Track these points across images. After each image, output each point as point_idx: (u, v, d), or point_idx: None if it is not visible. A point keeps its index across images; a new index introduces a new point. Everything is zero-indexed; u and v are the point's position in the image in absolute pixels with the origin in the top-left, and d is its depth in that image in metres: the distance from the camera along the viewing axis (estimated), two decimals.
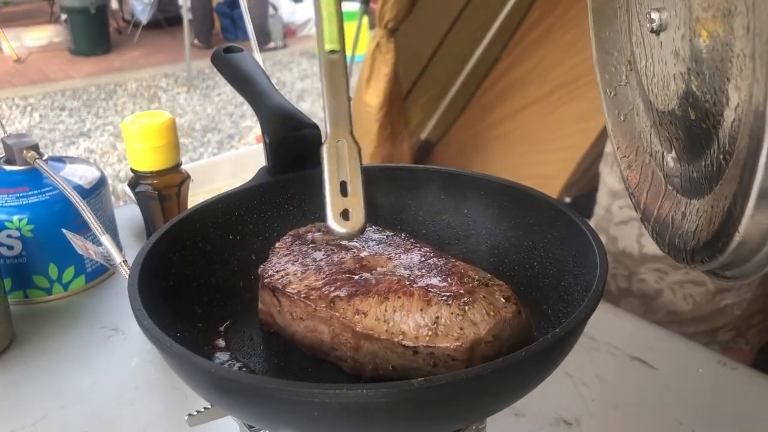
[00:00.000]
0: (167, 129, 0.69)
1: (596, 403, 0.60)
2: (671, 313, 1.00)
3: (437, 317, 0.39)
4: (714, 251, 0.34)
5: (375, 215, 0.58)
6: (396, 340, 0.40)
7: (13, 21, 5.52)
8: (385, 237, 0.49)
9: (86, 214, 0.62)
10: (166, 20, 5.55)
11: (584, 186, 2.08)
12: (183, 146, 3.52)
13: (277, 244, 0.50)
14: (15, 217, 0.70)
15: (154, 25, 5.50)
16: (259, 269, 0.48)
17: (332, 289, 0.43)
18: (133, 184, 0.71)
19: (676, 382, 0.63)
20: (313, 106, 4.00)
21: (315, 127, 0.56)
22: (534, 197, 0.52)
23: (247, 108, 3.65)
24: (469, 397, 0.36)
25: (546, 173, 2.15)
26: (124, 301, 0.42)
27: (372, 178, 0.58)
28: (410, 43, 2.12)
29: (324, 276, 0.45)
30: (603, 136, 1.93)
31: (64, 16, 4.97)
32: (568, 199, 2.10)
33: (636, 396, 0.61)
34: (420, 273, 0.43)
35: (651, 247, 0.99)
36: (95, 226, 0.61)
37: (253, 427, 0.46)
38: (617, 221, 1.04)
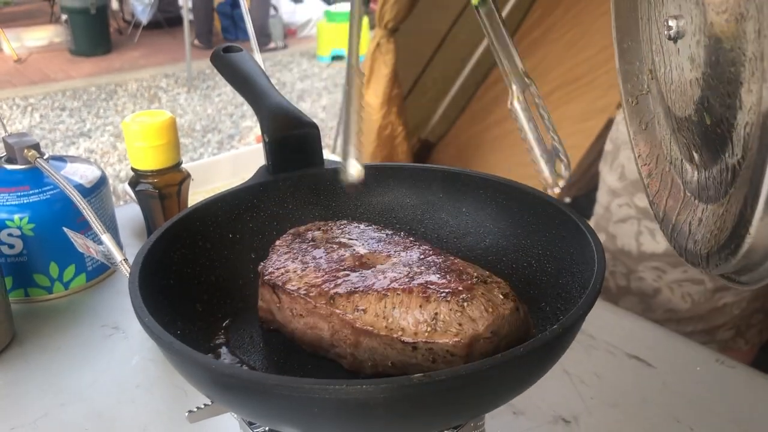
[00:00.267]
0: (167, 128, 0.69)
1: (595, 401, 0.60)
2: (670, 311, 1.00)
3: (436, 313, 0.40)
4: (727, 254, 0.34)
5: (374, 214, 0.58)
6: (395, 336, 0.40)
7: (13, 21, 5.52)
8: (384, 235, 0.49)
9: (87, 213, 0.63)
10: (166, 20, 5.55)
11: (584, 186, 2.08)
12: (183, 146, 3.52)
13: (277, 242, 0.50)
14: (16, 216, 0.70)
15: (154, 25, 5.51)
16: (259, 266, 0.49)
17: (332, 286, 0.43)
18: (134, 183, 0.71)
19: (675, 380, 0.63)
20: (313, 107, 4.00)
21: (314, 126, 0.56)
22: (532, 195, 0.52)
23: (247, 108, 3.66)
24: (467, 393, 0.36)
25: None
26: (125, 300, 0.42)
27: (370, 176, 0.58)
28: (410, 43, 2.12)
29: (324, 273, 0.45)
30: (602, 136, 1.93)
31: (64, 17, 4.97)
32: (567, 199, 2.10)
33: (634, 394, 0.62)
34: (419, 270, 0.43)
35: (649, 245, 1.00)
36: (96, 225, 0.61)
37: (253, 423, 0.46)
38: (616, 219, 1.04)
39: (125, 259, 0.57)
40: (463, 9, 2.24)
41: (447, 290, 0.41)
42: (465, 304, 0.40)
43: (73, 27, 4.94)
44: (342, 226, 0.51)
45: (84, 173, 0.75)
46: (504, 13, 2.23)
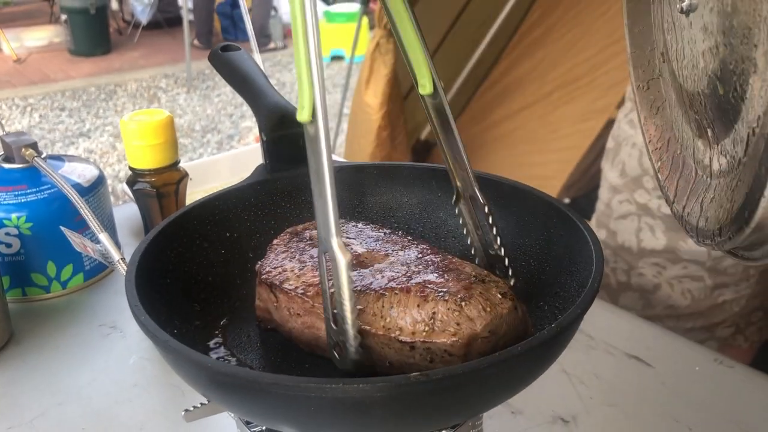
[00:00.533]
0: (165, 127, 0.69)
1: (593, 401, 0.60)
2: (669, 307, 1.00)
3: (434, 313, 0.40)
4: (741, 223, 0.34)
5: (372, 213, 0.58)
6: (393, 335, 0.40)
7: (13, 21, 5.52)
8: (382, 234, 0.49)
9: (84, 212, 0.63)
10: (166, 21, 5.55)
11: (584, 186, 2.08)
12: (183, 147, 3.52)
13: (275, 241, 0.50)
14: (13, 215, 0.70)
15: (154, 25, 5.50)
16: (257, 265, 0.48)
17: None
18: (132, 182, 0.71)
19: (673, 380, 0.63)
20: None
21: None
22: (530, 194, 0.52)
23: (246, 109, 3.65)
24: (465, 392, 0.36)
25: (545, 173, 2.15)
26: (123, 299, 0.42)
27: (369, 175, 0.58)
28: None
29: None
30: (602, 136, 1.93)
31: (64, 17, 4.97)
32: (567, 200, 2.10)
33: (633, 394, 0.61)
34: (417, 269, 0.43)
35: (649, 241, 1.00)
36: (93, 224, 0.61)
37: (250, 422, 0.46)
38: (617, 216, 1.05)
39: (123, 258, 0.57)
40: (463, 9, 2.24)
41: (445, 290, 0.40)
42: (463, 303, 0.39)
43: (73, 27, 4.93)
44: (342, 225, 0.50)
45: (82, 172, 0.75)
46: (503, 14, 2.23)
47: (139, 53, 5.18)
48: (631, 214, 1.02)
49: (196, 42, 5.09)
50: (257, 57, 0.81)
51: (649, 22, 0.48)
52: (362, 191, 0.58)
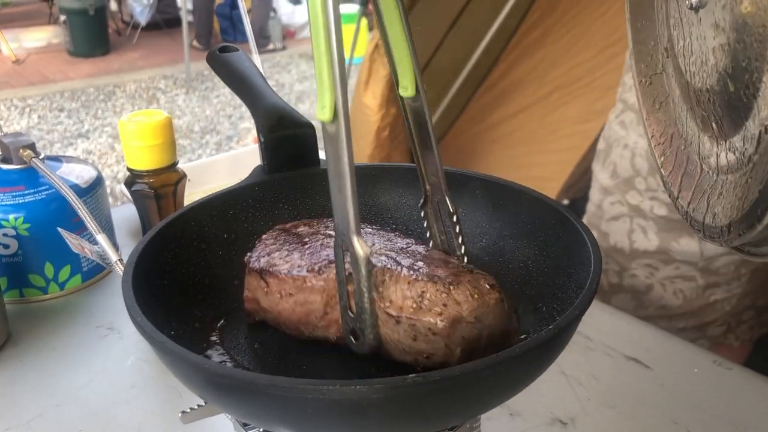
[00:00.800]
0: (163, 128, 0.69)
1: (592, 402, 0.60)
2: (662, 308, 1.00)
3: (423, 292, 0.40)
4: (752, 220, 0.34)
5: (370, 214, 0.58)
6: (382, 305, 0.41)
7: (11, 22, 5.52)
8: (371, 230, 0.49)
9: (82, 213, 0.63)
10: (165, 22, 5.55)
11: (583, 187, 2.08)
12: (181, 148, 3.52)
13: (264, 236, 0.50)
14: (11, 216, 0.70)
15: (153, 26, 5.50)
16: (245, 257, 0.48)
17: (320, 260, 0.44)
18: (130, 182, 0.71)
19: (672, 382, 0.63)
20: (311, 108, 4.00)
21: (310, 126, 0.56)
22: (528, 195, 0.52)
23: (245, 110, 3.64)
24: (462, 393, 0.36)
25: (544, 175, 2.15)
26: (120, 300, 0.42)
27: (367, 176, 0.58)
28: None
29: (310, 255, 0.46)
30: (599, 136, 1.93)
31: (62, 18, 4.97)
32: (566, 201, 2.10)
33: (631, 396, 0.61)
34: (406, 256, 0.44)
35: (642, 242, 1.00)
36: (91, 225, 0.61)
37: (247, 424, 0.46)
38: (608, 217, 1.04)
39: (120, 260, 0.57)
40: (462, 11, 2.24)
41: (436, 274, 0.41)
42: (451, 287, 0.40)
43: (72, 28, 4.93)
44: (328, 222, 0.51)
45: (80, 173, 0.75)
46: (502, 15, 2.23)
47: (138, 54, 5.18)
48: (623, 216, 1.02)
49: (195, 43, 5.09)
50: (256, 58, 0.81)
51: (653, 16, 0.48)
52: (361, 192, 0.58)
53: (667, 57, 0.47)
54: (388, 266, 0.42)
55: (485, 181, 0.55)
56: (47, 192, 0.71)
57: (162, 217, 0.70)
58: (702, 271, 0.96)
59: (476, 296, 0.40)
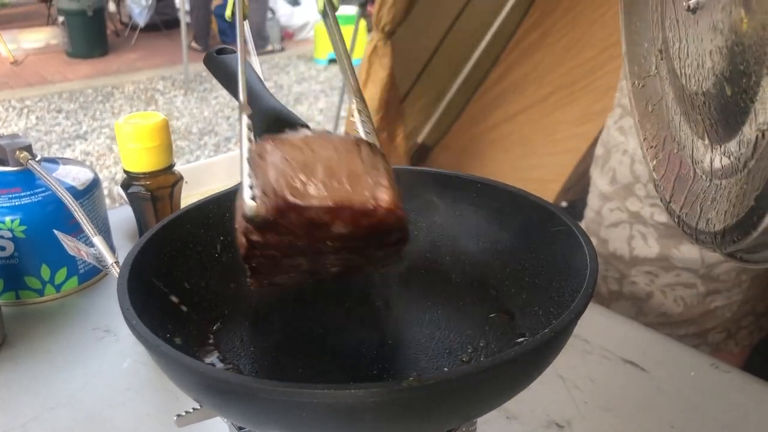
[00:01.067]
0: (160, 130, 0.69)
1: (588, 405, 0.60)
2: (662, 315, 1.00)
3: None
4: (748, 227, 0.34)
5: None
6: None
7: (10, 23, 5.52)
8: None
9: (78, 216, 0.62)
10: (163, 23, 5.55)
11: (581, 189, 2.08)
12: (180, 149, 3.52)
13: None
14: (7, 218, 0.70)
15: (151, 27, 5.50)
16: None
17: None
18: (126, 185, 0.71)
19: (669, 385, 0.63)
20: (310, 109, 4.00)
21: (306, 127, 0.56)
22: (525, 198, 0.52)
23: None
24: (458, 397, 0.36)
25: (543, 177, 2.15)
26: (117, 303, 0.42)
27: None
28: (407, 46, 2.12)
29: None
30: (597, 140, 1.93)
31: (61, 19, 4.97)
32: (564, 203, 2.10)
33: (628, 399, 0.61)
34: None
35: (642, 249, 1.00)
36: (87, 228, 0.61)
37: (242, 428, 0.45)
38: (608, 224, 1.04)
39: (116, 262, 0.56)
40: (461, 12, 2.24)
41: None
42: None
43: (70, 29, 4.93)
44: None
45: (76, 175, 0.74)
46: (501, 16, 2.23)
47: (137, 55, 5.18)
48: (622, 222, 1.02)
49: (193, 44, 5.09)
50: (254, 60, 0.81)
51: (647, 18, 0.48)
52: None
53: (662, 59, 0.46)
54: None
55: (482, 185, 0.55)
56: (44, 194, 0.71)
57: (159, 219, 0.70)
58: (703, 278, 0.96)
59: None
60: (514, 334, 0.50)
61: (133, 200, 0.71)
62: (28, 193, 0.70)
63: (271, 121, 0.55)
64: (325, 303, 0.53)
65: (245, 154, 0.40)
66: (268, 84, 0.59)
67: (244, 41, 0.50)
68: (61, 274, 0.74)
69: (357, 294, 0.52)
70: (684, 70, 0.43)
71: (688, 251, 0.95)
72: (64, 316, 0.73)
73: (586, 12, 2.08)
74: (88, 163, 0.84)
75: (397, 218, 0.39)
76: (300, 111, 3.75)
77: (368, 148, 0.40)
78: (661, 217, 0.96)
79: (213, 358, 0.46)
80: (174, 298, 0.48)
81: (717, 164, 0.39)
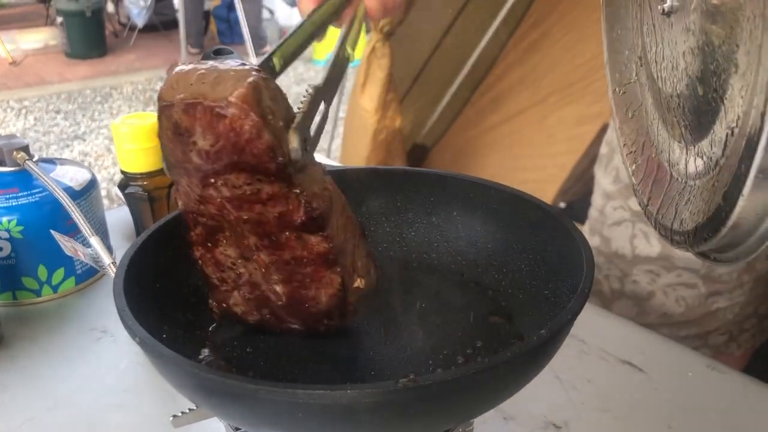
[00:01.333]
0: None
1: (586, 406, 0.60)
2: (664, 315, 1.00)
3: None
4: (717, 224, 0.34)
5: (363, 217, 0.58)
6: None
7: (8, 23, 5.51)
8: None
9: (76, 216, 0.62)
10: (162, 24, 5.55)
11: (579, 191, 2.09)
12: None
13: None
14: (4, 219, 0.70)
15: (150, 28, 5.50)
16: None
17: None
18: (123, 185, 0.71)
19: (666, 386, 0.63)
20: None
21: None
22: (522, 199, 0.52)
23: None
24: (454, 398, 0.36)
25: (540, 178, 2.15)
26: (114, 304, 0.42)
27: (361, 179, 0.58)
28: (406, 47, 2.13)
29: None
30: (597, 140, 1.93)
31: (59, 19, 4.97)
32: (562, 204, 2.10)
33: (626, 400, 0.61)
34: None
35: (644, 248, 1.00)
36: (84, 228, 0.61)
37: (239, 428, 0.45)
38: (611, 222, 1.04)
39: (113, 262, 0.56)
40: (459, 13, 2.24)
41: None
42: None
43: (69, 30, 4.93)
44: None
45: (74, 176, 0.74)
46: (499, 18, 2.23)
47: (135, 56, 5.18)
48: (625, 221, 1.02)
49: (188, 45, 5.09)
50: (253, 60, 0.81)
51: (628, 26, 0.49)
52: (356, 195, 0.58)
53: (641, 66, 0.47)
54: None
55: (480, 185, 0.55)
56: (41, 194, 0.71)
57: (156, 219, 0.70)
58: (704, 279, 0.96)
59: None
60: (511, 335, 0.50)
61: (130, 201, 0.71)
62: (25, 193, 0.70)
63: None
64: None
65: None
66: None
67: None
68: (59, 274, 0.74)
69: None
70: (660, 73, 0.44)
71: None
72: (62, 317, 0.73)
73: (584, 14, 2.08)
74: (86, 163, 0.83)
75: (252, 122, 0.37)
76: None
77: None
78: None
79: (209, 359, 0.46)
80: (170, 299, 0.48)
81: (692, 166, 0.40)
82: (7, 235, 0.70)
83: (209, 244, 0.46)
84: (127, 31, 5.55)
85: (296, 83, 4.59)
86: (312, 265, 0.44)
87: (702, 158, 0.38)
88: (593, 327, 0.69)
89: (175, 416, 0.44)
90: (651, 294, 1.00)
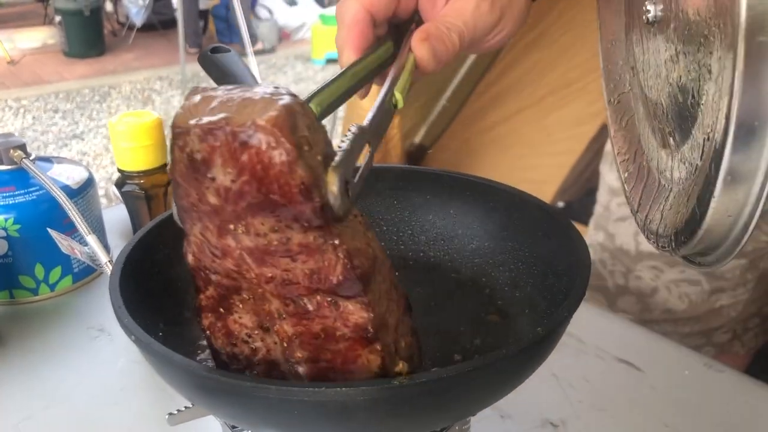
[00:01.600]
0: (154, 129, 0.69)
1: (583, 405, 0.60)
2: (667, 311, 1.00)
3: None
4: (693, 227, 0.35)
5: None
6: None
7: (6, 23, 5.51)
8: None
9: (73, 214, 0.62)
10: (160, 23, 5.54)
11: (578, 191, 2.09)
12: None
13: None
14: (1, 217, 0.69)
15: (148, 27, 5.49)
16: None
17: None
18: (120, 183, 0.70)
19: (663, 384, 0.63)
20: None
21: None
22: (519, 198, 0.52)
23: None
24: (449, 395, 0.36)
25: (539, 178, 2.16)
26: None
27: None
28: None
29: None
30: (597, 139, 1.93)
31: (58, 18, 4.96)
32: (561, 204, 2.11)
33: (622, 398, 0.61)
34: None
35: (647, 244, 1.00)
36: (81, 226, 0.61)
37: (235, 426, 0.45)
38: (615, 218, 1.04)
39: (110, 261, 0.56)
40: None
41: None
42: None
43: (67, 29, 4.92)
44: None
45: (71, 174, 0.74)
46: None
47: (134, 55, 5.17)
48: (629, 217, 1.02)
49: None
50: (251, 59, 0.81)
51: (621, 37, 0.49)
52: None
53: (633, 75, 0.48)
54: None
55: (477, 183, 0.55)
56: (38, 193, 0.71)
57: (153, 218, 0.70)
58: (707, 275, 0.96)
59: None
60: (508, 333, 0.50)
61: (127, 199, 0.71)
62: (22, 191, 0.70)
63: None
64: None
65: None
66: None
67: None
68: (56, 273, 0.74)
69: None
70: (647, 81, 0.45)
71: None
72: (59, 316, 0.72)
73: (582, 14, 2.08)
74: (84, 163, 0.83)
75: (284, 151, 0.30)
76: None
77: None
78: None
79: (207, 357, 0.46)
80: (167, 297, 0.48)
81: (676, 172, 0.41)
82: (3, 234, 0.70)
83: (221, 310, 0.39)
84: (125, 31, 5.55)
85: (294, 82, 4.59)
86: (346, 340, 0.36)
87: (684, 164, 0.39)
88: (591, 326, 0.69)
89: (170, 414, 0.44)
90: (654, 290, 1.00)
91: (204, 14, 5.38)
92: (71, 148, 3.51)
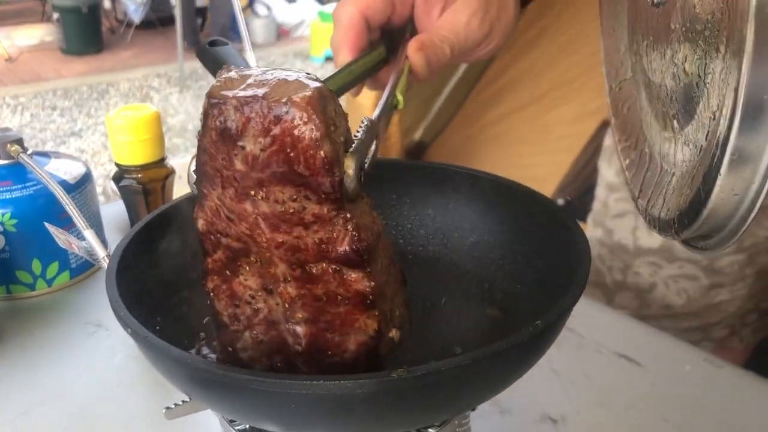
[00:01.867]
0: (152, 123, 0.69)
1: (582, 400, 0.60)
2: (665, 307, 1.00)
3: None
4: (698, 206, 0.35)
5: None
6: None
7: (4, 20, 5.50)
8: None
9: (70, 209, 0.62)
10: (158, 20, 5.53)
11: (577, 188, 2.08)
12: (175, 147, 3.51)
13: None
14: None
15: (146, 24, 5.49)
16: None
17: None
18: (117, 178, 0.70)
19: (663, 379, 0.62)
20: None
21: None
22: (519, 191, 0.52)
23: None
24: (448, 388, 0.35)
25: (539, 175, 2.15)
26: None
27: None
28: None
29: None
30: (597, 136, 1.93)
31: (56, 15, 4.95)
32: (561, 201, 2.10)
33: (622, 394, 0.61)
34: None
35: (646, 240, 1.00)
36: (79, 221, 0.60)
37: (233, 421, 0.45)
38: (613, 214, 1.04)
39: (108, 255, 0.56)
40: None
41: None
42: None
43: (65, 26, 4.91)
44: None
45: (68, 169, 0.74)
46: None
47: (132, 52, 5.16)
48: (627, 213, 1.02)
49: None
50: (250, 55, 0.81)
51: (623, 22, 0.49)
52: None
53: (635, 62, 0.47)
54: None
55: (477, 177, 0.54)
56: (35, 188, 0.70)
57: (150, 212, 0.70)
58: (706, 270, 0.96)
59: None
60: (507, 327, 0.49)
61: (125, 193, 0.71)
62: (19, 186, 0.70)
63: None
64: None
65: None
66: None
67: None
68: (53, 268, 0.74)
69: None
70: (650, 64, 0.45)
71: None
72: (56, 311, 0.72)
73: (583, 11, 2.08)
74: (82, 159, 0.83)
75: (315, 127, 0.34)
76: None
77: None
78: None
79: (204, 351, 0.46)
80: (164, 290, 0.48)
81: (680, 153, 0.40)
82: (1, 229, 0.70)
83: (228, 272, 0.41)
84: (123, 28, 5.54)
85: None
86: (347, 304, 0.38)
87: (689, 146, 0.39)
88: (591, 321, 0.69)
89: (168, 408, 0.44)
90: (653, 286, 1.00)
91: (203, 11, 5.37)
92: (69, 146, 3.51)
